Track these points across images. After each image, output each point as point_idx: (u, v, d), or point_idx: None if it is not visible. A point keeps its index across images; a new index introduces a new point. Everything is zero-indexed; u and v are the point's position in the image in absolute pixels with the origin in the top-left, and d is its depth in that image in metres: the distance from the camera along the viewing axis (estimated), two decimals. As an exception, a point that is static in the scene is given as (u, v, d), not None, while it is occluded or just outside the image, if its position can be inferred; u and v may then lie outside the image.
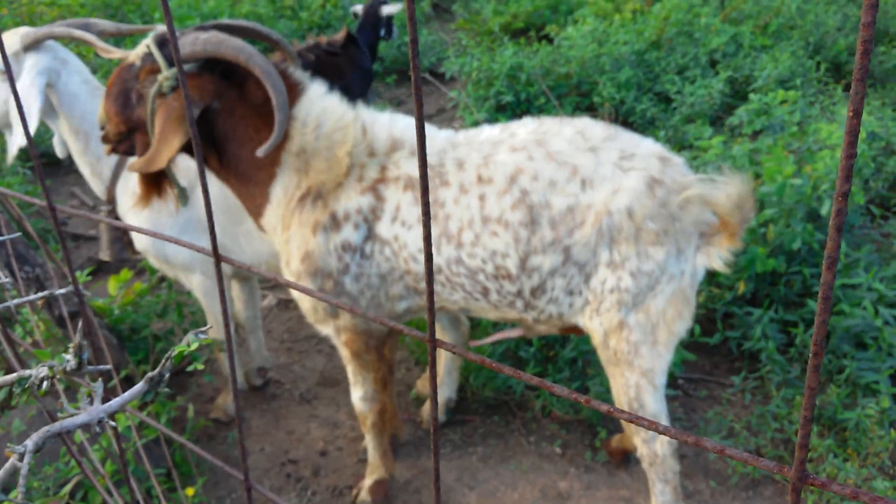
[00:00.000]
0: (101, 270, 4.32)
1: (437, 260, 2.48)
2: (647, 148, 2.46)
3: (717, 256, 2.38)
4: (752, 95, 4.64)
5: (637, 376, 2.49)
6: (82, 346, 0.94)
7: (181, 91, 2.29)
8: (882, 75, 6.70)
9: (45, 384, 0.94)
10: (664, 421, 2.57)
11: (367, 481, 2.99)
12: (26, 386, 0.93)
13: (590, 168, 2.39)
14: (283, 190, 2.49)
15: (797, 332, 3.38)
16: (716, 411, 3.30)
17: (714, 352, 3.74)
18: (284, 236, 2.54)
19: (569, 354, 3.38)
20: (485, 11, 8.40)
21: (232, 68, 2.34)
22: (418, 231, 2.45)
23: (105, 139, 2.44)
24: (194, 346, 0.95)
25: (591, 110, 6.23)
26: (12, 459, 0.85)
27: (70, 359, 0.94)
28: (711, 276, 3.82)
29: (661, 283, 2.40)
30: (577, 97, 6.31)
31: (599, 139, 2.45)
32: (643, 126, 5.95)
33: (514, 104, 6.27)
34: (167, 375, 0.96)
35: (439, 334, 3.32)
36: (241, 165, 2.47)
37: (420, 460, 3.23)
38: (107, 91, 2.39)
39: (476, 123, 6.14)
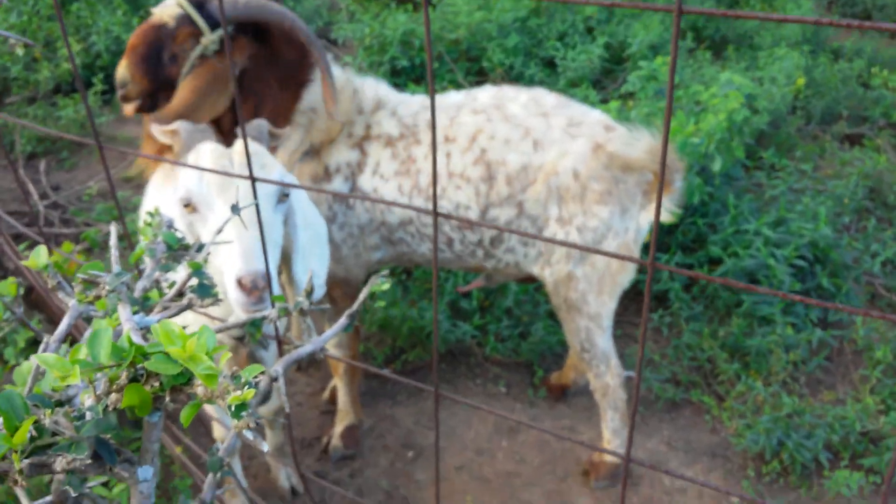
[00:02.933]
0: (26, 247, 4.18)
1: (409, 212, 2.70)
2: (593, 117, 2.78)
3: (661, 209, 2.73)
4: (641, 63, 5.08)
5: (586, 321, 2.83)
6: (312, 289, 1.11)
7: (224, 53, 2.42)
8: (736, 39, 7.41)
9: (278, 322, 1.10)
10: (613, 358, 2.93)
11: (338, 428, 3.19)
12: (259, 326, 1.09)
13: (541, 131, 2.67)
14: (292, 144, 2.68)
15: (701, 272, 3.87)
16: (634, 348, 3.74)
17: (625, 295, 4.16)
18: None
19: (506, 304, 3.69)
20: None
21: (261, 30, 2.49)
22: (394, 184, 2.69)
23: (126, 98, 2.46)
24: (385, 286, 1.15)
25: (482, 75, 6.51)
26: (267, 381, 1.01)
27: (304, 300, 1.10)
28: (619, 228, 4.25)
29: (606, 238, 2.72)
30: (467, 62, 6.58)
31: (551, 106, 2.75)
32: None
33: (408, 69, 6.45)
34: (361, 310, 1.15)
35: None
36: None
37: (378, 407, 3.45)
38: (132, 50, 2.39)
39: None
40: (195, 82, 2.43)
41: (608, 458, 3.04)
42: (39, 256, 1.02)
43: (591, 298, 2.78)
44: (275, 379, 1.04)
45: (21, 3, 6.19)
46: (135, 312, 0.91)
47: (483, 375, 3.66)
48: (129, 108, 2.47)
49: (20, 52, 5.15)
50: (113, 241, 1.07)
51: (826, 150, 5.71)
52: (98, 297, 0.95)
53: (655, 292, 4.04)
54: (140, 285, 1.01)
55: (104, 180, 4.90)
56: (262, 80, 2.57)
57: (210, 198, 1.83)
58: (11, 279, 1.04)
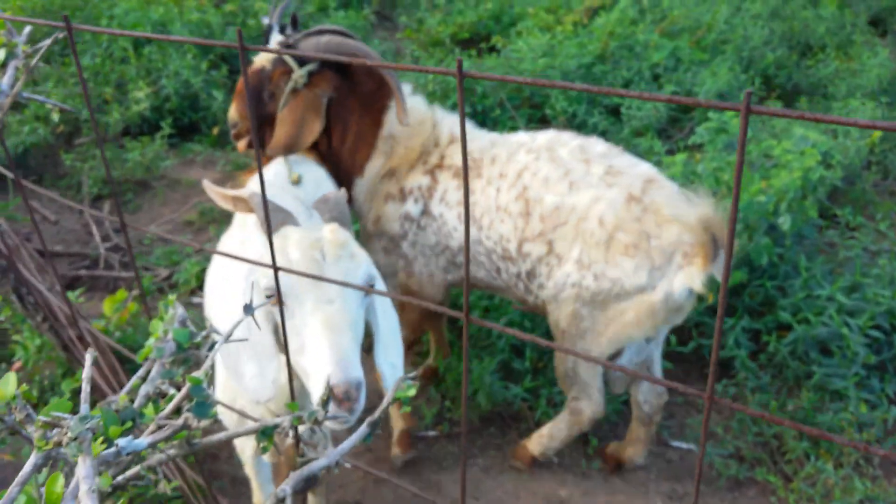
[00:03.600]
0: (91, 289, 4.24)
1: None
2: (638, 169, 2.72)
3: (696, 277, 2.58)
4: (710, 115, 4.91)
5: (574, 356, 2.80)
6: (329, 399, 1.02)
7: (313, 85, 2.82)
8: (809, 88, 7.15)
9: (290, 433, 1.00)
10: (595, 391, 2.93)
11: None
12: (270, 434, 1.00)
13: (579, 175, 2.70)
14: (373, 167, 2.99)
15: (769, 339, 3.64)
16: (696, 419, 3.52)
17: (687, 360, 3.96)
18: (367, 205, 3.06)
19: (561, 368, 3.53)
20: (429, 21, 8.50)
21: (343, 64, 2.83)
22: (456, 211, 2.89)
23: (238, 136, 2.95)
24: (410, 392, 1.05)
25: (545, 122, 6.43)
26: (272, 500, 0.91)
27: (320, 409, 1.01)
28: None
29: (625, 289, 2.62)
30: (530, 109, 6.50)
31: (597, 153, 2.78)
32: (595, 138, 6.18)
33: (470, 115, 6.41)
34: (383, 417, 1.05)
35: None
36: (346, 145, 2.95)
37: (423, 473, 3.33)
38: (239, 93, 2.92)
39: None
40: (291, 114, 2.77)
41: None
42: (7, 386, 0.92)
43: (589, 337, 2.77)
44: (282, 500, 0.95)
45: (95, 45, 6.40)
46: (128, 429, 0.83)
47: (534, 442, 3.50)
48: (241, 145, 2.92)
49: (55, 117, 5.31)
50: (86, 373, 0.98)
51: (906, 206, 5.40)
52: (59, 444, 0.87)
53: (720, 359, 3.82)
54: (143, 391, 0.93)
55: (166, 223, 4.96)
56: (347, 107, 2.90)
57: (299, 290, 1.72)
58: (12, 374, 0.97)
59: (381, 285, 2.29)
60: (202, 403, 0.93)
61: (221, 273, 2.30)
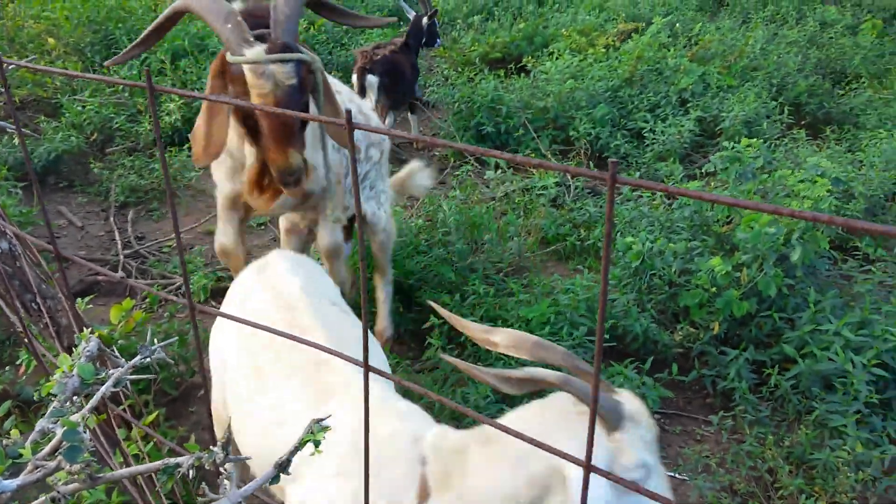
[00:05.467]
0: (99, 294, 4.37)
1: None
2: None
3: None
4: (725, 143, 4.89)
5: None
6: (230, 440, 1.07)
7: None
8: (839, 117, 7.06)
9: (191, 472, 1.05)
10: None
11: None
12: (171, 473, 1.05)
13: None
14: None
15: (771, 372, 3.61)
16: (692, 448, 3.50)
17: (688, 389, 3.94)
18: None
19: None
20: (463, 40, 8.60)
21: None
22: None
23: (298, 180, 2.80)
24: (319, 435, 1.09)
25: (568, 144, 6.45)
26: None
27: (219, 451, 1.06)
28: (688, 316, 4.04)
29: None
30: (553, 131, 6.53)
31: None
32: (617, 161, 6.17)
33: (493, 135, 6.46)
34: (293, 459, 1.09)
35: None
36: None
37: None
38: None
39: (456, 153, 6.31)
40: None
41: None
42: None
43: None
44: None
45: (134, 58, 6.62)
46: (10, 467, 0.88)
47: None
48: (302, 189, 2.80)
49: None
50: None
51: (930, 243, 5.29)
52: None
53: (721, 390, 3.79)
54: (38, 427, 0.99)
55: (186, 232, 5.09)
56: None
57: None
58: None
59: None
60: (75, 447, 0.98)
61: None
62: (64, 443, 0.96)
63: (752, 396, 3.61)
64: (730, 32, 8.65)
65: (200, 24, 7.02)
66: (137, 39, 2.75)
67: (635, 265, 4.14)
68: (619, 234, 4.57)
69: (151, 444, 3.09)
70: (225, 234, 3.37)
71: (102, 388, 1.07)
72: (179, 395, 3.67)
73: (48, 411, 1.02)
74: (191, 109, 6.23)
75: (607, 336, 3.81)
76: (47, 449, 1.00)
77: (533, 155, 6.12)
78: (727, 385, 3.68)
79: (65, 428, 0.97)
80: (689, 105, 6.76)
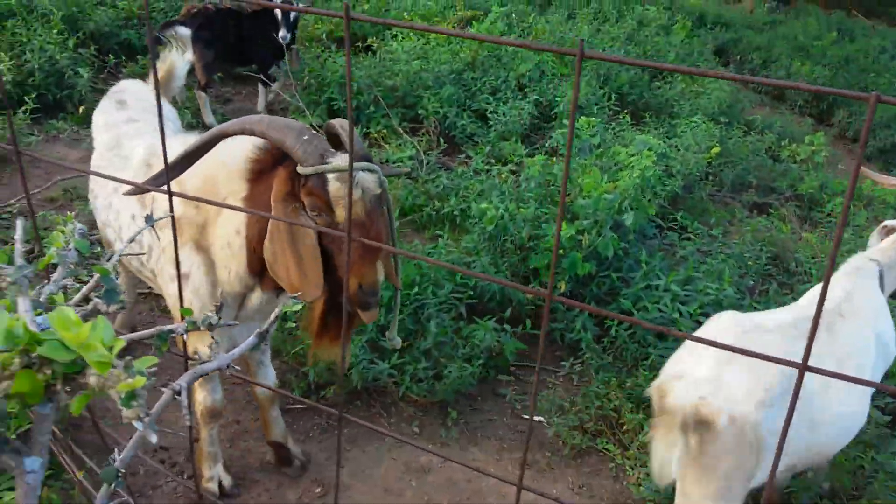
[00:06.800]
0: None
1: None
2: None
3: None
4: (565, 121, 5.30)
5: None
6: (222, 305, 1.14)
7: None
8: (657, 106, 7.77)
9: (185, 336, 1.12)
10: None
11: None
12: (165, 338, 1.11)
13: None
14: None
15: (612, 324, 4.01)
16: (547, 393, 3.82)
17: (537, 339, 4.28)
18: None
19: (426, 345, 3.74)
20: (305, 17, 8.56)
21: None
22: None
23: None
24: (296, 306, 1.19)
25: (417, 122, 6.66)
26: (170, 393, 1.03)
27: (213, 315, 1.13)
28: (538, 276, 4.37)
29: None
30: (403, 108, 6.71)
31: None
32: (463, 140, 6.48)
33: (345, 110, 6.54)
34: (273, 330, 1.19)
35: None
36: None
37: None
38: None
39: (311, 126, 6.33)
40: None
41: None
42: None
43: None
44: (177, 392, 1.06)
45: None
46: (38, 315, 0.93)
47: (398, 415, 3.68)
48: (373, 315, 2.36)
49: None
50: (18, 234, 1.09)
51: (736, 216, 6.01)
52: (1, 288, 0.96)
53: (569, 342, 4.15)
54: (47, 289, 1.03)
55: (25, 199, 4.77)
56: None
57: None
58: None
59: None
60: (110, 291, 1.04)
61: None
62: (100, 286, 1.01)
63: (596, 346, 4.00)
64: (559, 26, 9.24)
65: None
66: (176, 161, 2.27)
67: (490, 229, 4.41)
68: (473, 202, 4.84)
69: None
70: (214, 389, 2.96)
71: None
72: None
73: (54, 277, 1.04)
74: (22, 73, 5.82)
75: (471, 293, 4.06)
76: (80, 294, 1.03)
77: (385, 131, 6.27)
78: (574, 337, 4.05)
79: (97, 275, 1.02)
80: (526, 90, 7.18)
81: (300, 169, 2.20)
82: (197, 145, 2.24)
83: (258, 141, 2.37)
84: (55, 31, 6.09)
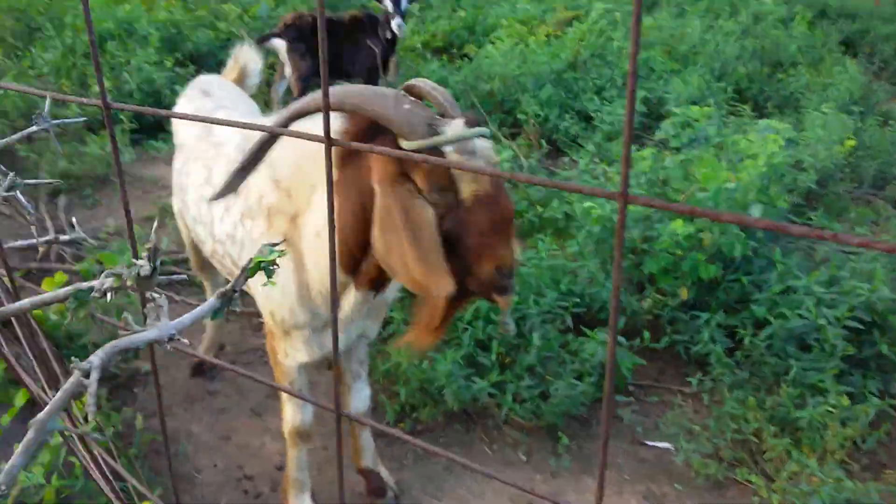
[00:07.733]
0: (32, 274, 4.03)
1: None
2: None
3: None
4: (675, 110, 4.82)
5: None
6: (157, 250, 0.84)
7: None
8: (780, 100, 7.13)
9: (109, 295, 0.83)
10: None
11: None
12: (84, 299, 0.82)
13: None
14: None
15: (745, 333, 3.49)
16: (674, 414, 3.36)
17: (660, 358, 3.80)
18: None
19: (528, 360, 3.36)
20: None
21: None
22: None
23: None
24: (272, 256, 0.89)
25: (516, 127, 6.32)
26: (76, 376, 0.74)
27: (144, 263, 0.83)
28: (654, 283, 3.90)
29: None
30: (501, 114, 6.40)
31: None
32: (566, 143, 6.09)
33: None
34: (238, 292, 0.89)
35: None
36: None
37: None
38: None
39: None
40: None
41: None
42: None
43: None
44: (86, 375, 0.77)
45: (58, 39, 6.22)
46: None
47: (501, 440, 3.31)
48: None
49: None
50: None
51: (881, 214, 5.33)
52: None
53: (695, 355, 3.66)
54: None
55: (123, 218, 4.74)
56: None
57: None
58: None
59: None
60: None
61: None
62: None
63: (728, 360, 3.49)
64: (666, 23, 8.72)
65: (129, 8, 6.66)
66: (241, 164, 1.97)
67: (597, 231, 3.99)
68: (576, 204, 4.43)
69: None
70: (304, 408, 2.70)
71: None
72: (124, 380, 3.42)
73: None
74: (121, 94, 5.88)
75: (577, 301, 3.65)
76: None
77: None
78: (701, 350, 3.55)
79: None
80: (634, 88, 6.71)
81: (408, 144, 1.83)
82: (280, 123, 1.95)
83: (336, 118, 2.05)
84: (152, 49, 6.14)
